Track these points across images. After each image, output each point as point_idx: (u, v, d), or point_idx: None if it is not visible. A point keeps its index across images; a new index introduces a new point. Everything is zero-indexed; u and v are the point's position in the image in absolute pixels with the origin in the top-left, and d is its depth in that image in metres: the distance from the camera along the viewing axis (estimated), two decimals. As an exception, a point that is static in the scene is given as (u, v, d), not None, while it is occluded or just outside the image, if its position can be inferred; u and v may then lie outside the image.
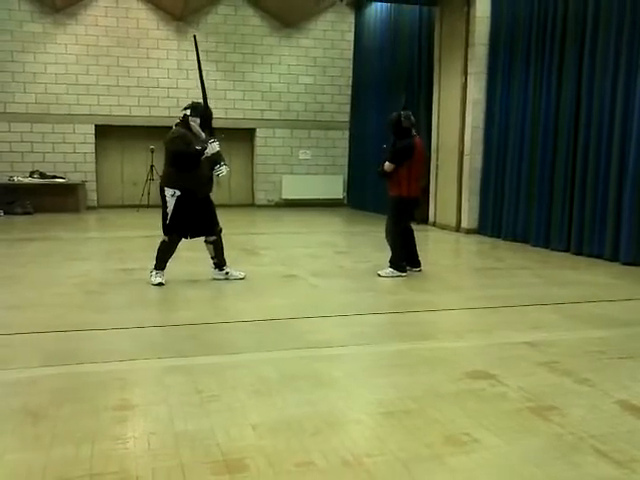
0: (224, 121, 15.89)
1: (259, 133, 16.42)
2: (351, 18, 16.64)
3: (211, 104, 16.12)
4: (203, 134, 6.49)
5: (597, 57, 8.45)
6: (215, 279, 6.87)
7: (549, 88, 9.37)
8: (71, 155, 15.28)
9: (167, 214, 6.47)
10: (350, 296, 6.33)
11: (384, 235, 7.33)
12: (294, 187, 16.25)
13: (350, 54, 16.66)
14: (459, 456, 2.81)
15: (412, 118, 7.02)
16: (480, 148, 10.97)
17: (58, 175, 14.86)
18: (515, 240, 9.99)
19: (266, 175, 16.53)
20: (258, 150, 16.49)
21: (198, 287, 6.57)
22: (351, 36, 16.65)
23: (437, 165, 11.95)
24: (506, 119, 10.36)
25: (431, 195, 12.18)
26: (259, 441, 2.93)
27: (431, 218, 12.19)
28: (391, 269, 7.07)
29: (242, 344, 4.55)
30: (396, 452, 2.83)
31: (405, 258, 7.19)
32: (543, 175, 9.46)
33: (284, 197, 16.43)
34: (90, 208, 15.15)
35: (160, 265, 6.57)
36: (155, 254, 6.62)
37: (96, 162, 15.55)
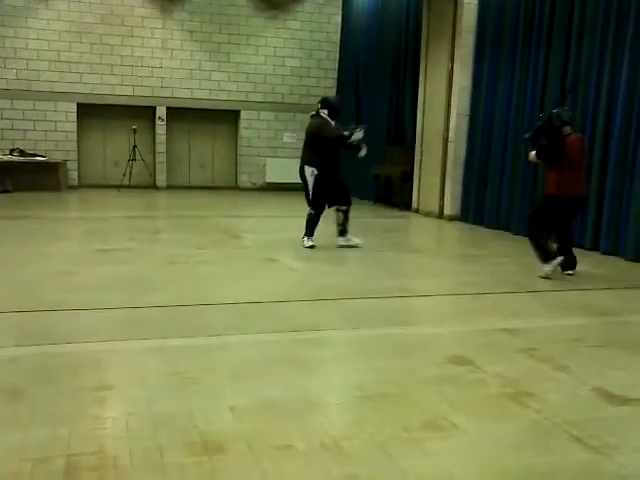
0: (208, 102, 15.80)
1: (244, 115, 16.30)
2: (338, 1, 16.52)
3: (195, 85, 15.95)
4: (332, 122, 7.70)
5: (584, 46, 8.46)
6: (340, 246, 7.90)
7: (535, 77, 9.38)
8: (52, 133, 15.08)
9: (308, 190, 7.72)
10: (332, 280, 6.33)
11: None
12: (278, 170, 16.17)
13: (337, 37, 16.56)
14: (437, 440, 2.83)
15: (565, 115, 6.40)
16: (465, 136, 10.98)
17: (39, 153, 14.66)
18: (497, 228, 10.03)
19: (250, 158, 16.44)
20: (242, 132, 16.38)
21: (178, 269, 6.54)
22: (338, 19, 16.53)
23: (422, 152, 11.95)
24: (492, 107, 10.36)
25: (415, 182, 12.19)
26: (238, 424, 2.92)
27: (414, 204, 12.21)
28: (544, 264, 6.46)
29: (223, 327, 4.53)
30: (375, 435, 2.85)
31: (549, 250, 6.54)
32: (526, 164, 9.48)
33: (268, 180, 16.37)
34: (71, 187, 14.99)
35: (309, 232, 7.75)
36: (305, 224, 7.76)
37: (78, 141, 15.36)
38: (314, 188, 7.65)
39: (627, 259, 7.64)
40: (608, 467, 2.68)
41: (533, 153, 6.52)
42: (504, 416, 3.14)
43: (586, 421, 3.09)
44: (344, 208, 7.87)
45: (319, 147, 7.62)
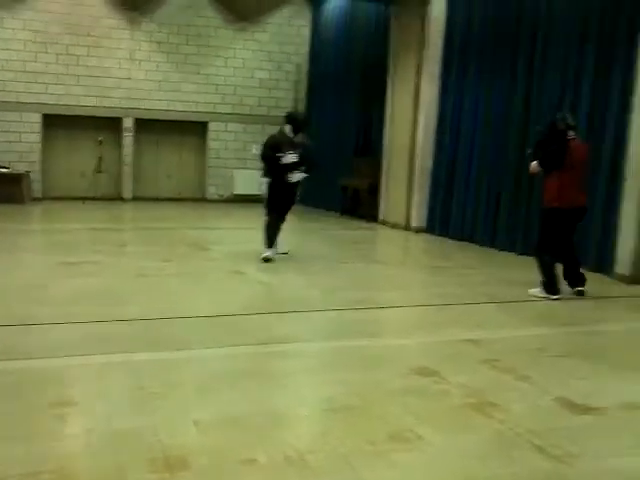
0: (176, 113, 15.72)
1: (212, 127, 16.24)
2: (307, 13, 16.60)
3: (163, 96, 15.76)
4: (297, 137, 7.69)
5: (548, 62, 8.63)
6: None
7: (500, 91, 9.52)
8: (16, 144, 14.82)
9: (264, 197, 7.84)
10: (299, 292, 6.33)
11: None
12: (246, 182, 16.10)
13: (306, 50, 16.63)
14: (402, 452, 2.84)
15: (569, 119, 6.20)
16: (431, 148, 11.09)
17: (2, 164, 14.41)
18: (462, 239, 10.13)
19: (218, 169, 16.37)
20: (210, 144, 16.31)
21: (146, 282, 6.47)
22: (307, 32, 16.61)
23: (389, 164, 12.03)
24: (458, 120, 10.49)
25: (382, 193, 12.27)
26: (202, 438, 2.90)
27: (381, 216, 12.28)
28: (540, 289, 6.26)
29: (189, 340, 4.49)
30: (339, 448, 2.85)
31: (554, 280, 6.25)
32: (491, 176, 9.62)
33: (236, 192, 16.30)
34: (35, 199, 14.75)
35: (267, 242, 7.65)
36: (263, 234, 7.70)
37: (42, 152, 15.14)
38: (272, 196, 7.67)
39: (589, 270, 7.75)
40: (570, 476, 2.72)
41: (535, 163, 6.25)
42: (468, 427, 3.16)
43: (548, 431, 3.13)
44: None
45: (268, 160, 7.67)
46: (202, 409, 3.22)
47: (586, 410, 3.42)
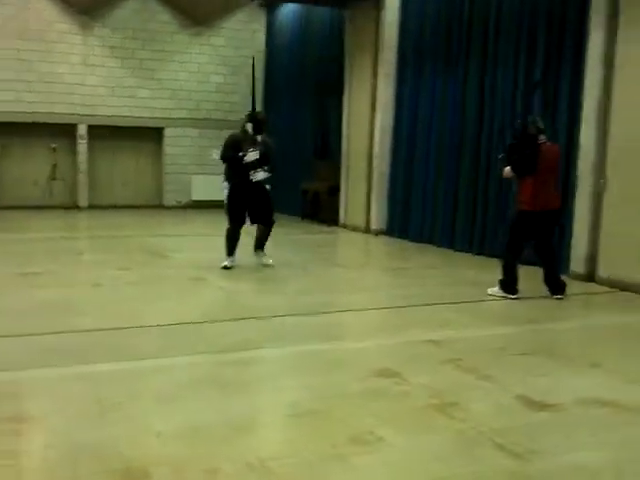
0: (131, 119, 15.52)
1: (168, 132, 16.08)
2: (262, 18, 16.58)
3: (118, 102, 15.49)
4: (259, 137, 7.39)
5: (499, 63, 8.77)
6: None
7: (455, 93, 9.64)
8: (-33, 153, 14.47)
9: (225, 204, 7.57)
10: (260, 299, 6.30)
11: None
12: (204, 188, 15.98)
13: (261, 54, 16.60)
14: (363, 455, 2.84)
15: (540, 123, 6.22)
16: (389, 151, 11.17)
17: (-48, 174, 14.04)
18: (422, 241, 10.22)
19: (175, 176, 16.19)
20: (167, 150, 16.14)
21: (103, 291, 6.36)
22: (262, 36, 16.59)
23: (348, 167, 12.08)
24: (414, 123, 10.58)
25: (341, 197, 12.31)
26: (163, 449, 2.86)
27: (341, 219, 12.31)
28: (498, 288, 6.34)
29: (148, 350, 4.43)
30: (302, 454, 2.84)
31: (515, 280, 6.31)
32: (448, 178, 9.73)
33: (194, 198, 16.16)
34: (-13, 209, 14.39)
35: (227, 250, 7.46)
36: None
37: (-6, 160, 14.80)
38: (232, 202, 7.46)
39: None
40: (530, 472, 2.76)
41: (508, 168, 6.26)
42: (430, 427, 3.18)
43: (509, 429, 3.17)
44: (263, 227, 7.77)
45: (229, 162, 7.44)
46: (163, 419, 3.18)
47: (545, 407, 3.48)
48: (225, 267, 7.36)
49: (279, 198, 15.43)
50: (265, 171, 7.32)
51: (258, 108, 16.67)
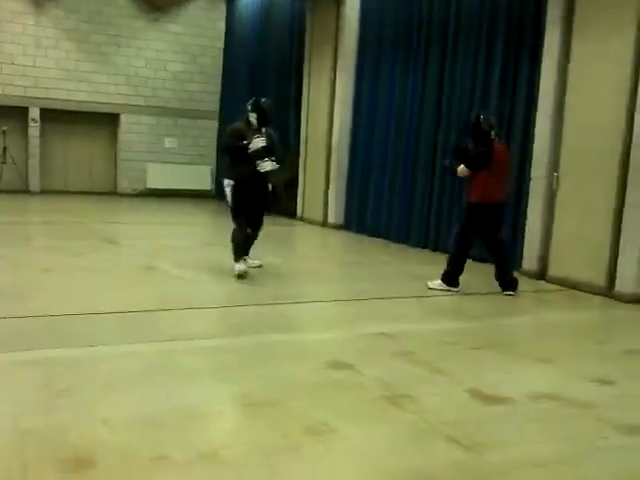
0: (86, 104, 15.19)
1: (123, 119, 15.80)
2: (222, 6, 16.40)
3: (72, 86, 15.15)
4: (263, 129, 6.58)
5: (458, 58, 8.86)
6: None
7: (414, 88, 9.70)
8: None
9: (229, 202, 6.79)
10: (215, 288, 6.24)
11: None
12: (160, 176, 15.78)
13: (221, 43, 16.42)
14: (316, 445, 2.83)
15: (492, 120, 6.34)
16: (347, 145, 11.18)
17: None
18: (378, 236, 10.27)
19: (130, 163, 15.94)
20: (122, 136, 15.86)
21: (53, 277, 6.21)
22: (222, 25, 16.41)
23: (306, 160, 12.06)
24: (372, 117, 10.62)
25: (299, 190, 12.28)
26: (111, 436, 2.80)
27: (299, 213, 12.29)
28: (440, 281, 6.39)
29: (99, 337, 4.33)
30: (254, 443, 2.81)
31: (460, 272, 6.42)
32: (405, 174, 9.80)
33: (149, 186, 15.92)
34: None
35: (235, 256, 6.52)
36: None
37: (-59, 141, 14.31)
38: (237, 203, 6.67)
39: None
40: (479, 464, 2.79)
41: (462, 167, 6.29)
42: (383, 419, 3.19)
43: (461, 421, 3.20)
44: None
45: (231, 156, 6.73)
46: (112, 407, 3.11)
47: (495, 400, 3.52)
48: (240, 275, 6.42)
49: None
50: (273, 162, 6.54)
51: (217, 99, 16.62)
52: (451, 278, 6.39)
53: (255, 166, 6.45)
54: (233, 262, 6.48)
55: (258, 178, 6.55)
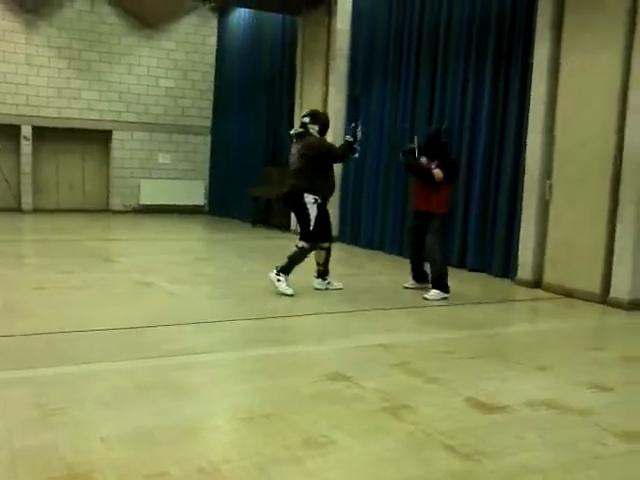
0: (78, 121, 15.21)
1: (116, 135, 15.81)
2: (214, 22, 16.50)
3: (64, 103, 15.23)
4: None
5: (448, 74, 8.92)
6: (316, 289, 6.75)
7: (405, 102, 9.75)
8: None
9: (309, 221, 6.46)
10: (209, 303, 6.22)
11: (425, 254, 6.74)
12: (153, 192, 15.78)
13: (212, 59, 16.50)
14: (316, 458, 2.81)
15: (450, 134, 6.67)
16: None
17: None
18: (372, 248, 10.27)
19: (123, 179, 15.94)
20: (115, 153, 15.87)
21: (46, 295, 6.18)
22: (214, 40, 16.49)
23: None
24: (365, 131, 10.58)
25: (292, 203, 12.26)
26: (108, 453, 2.77)
27: (293, 226, 12.27)
28: (438, 291, 6.47)
29: (93, 354, 4.30)
30: (254, 457, 2.79)
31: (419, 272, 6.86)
32: (398, 186, 9.82)
33: (142, 202, 15.92)
34: None
35: (289, 270, 6.45)
36: (288, 260, 6.43)
37: None
38: (317, 218, 6.46)
39: (494, 275, 8.04)
40: (479, 473, 2.77)
41: (439, 171, 6.44)
42: (381, 430, 3.18)
43: (459, 430, 3.18)
44: (326, 245, 6.75)
45: (320, 170, 6.50)
46: (109, 424, 3.08)
47: (494, 409, 3.51)
48: (289, 293, 6.37)
49: (229, 204, 15.42)
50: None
51: (209, 115, 16.67)
52: (445, 285, 6.52)
53: (334, 178, 6.74)
54: (282, 278, 6.40)
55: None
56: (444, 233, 6.74)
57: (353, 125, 6.67)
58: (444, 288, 6.51)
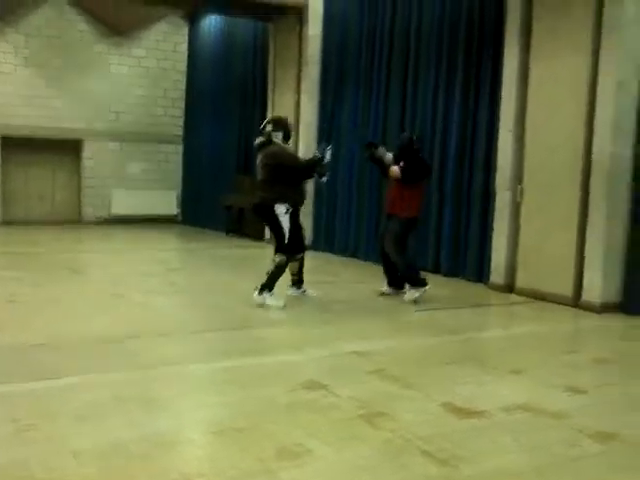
0: (47, 130, 14.98)
1: (87, 145, 15.62)
2: (185, 29, 16.40)
3: (33, 112, 15.00)
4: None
5: (419, 81, 8.97)
6: (291, 296, 6.74)
7: (377, 109, 9.78)
8: None
9: (284, 234, 6.31)
10: (183, 314, 6.16)
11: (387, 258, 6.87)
12: (125, 202, 15.59)
13: (184, 66, 16.40)
14: (291, 469, 2.79)
15: (422, 140, 7.19)
16: (313, 165, 11.18)
17: None
18: (347, 255, 10.27)
19: (94, 189, 15.71)
20: (85, 163, 15.65)
21: (16, 308, 6.07)
22: (185, 48, 16.40)
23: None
24: (337, 138, 10.66)
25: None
26: (81, 469, 2.72)
27: (266, 235, 12.22)
28: (413, 289, 6.60)
29: (66, 367, 4.23)
30: (228, 470, 2.76)
31: (418, 271, 6.91)
32: (371, 193, 9.84)
33: (114, 213, 15.72)
34: None
35: (272, 286, 6.29)
36: (267, 277, 6.25)
37: None
38: (290, 230, 6.35)
39: (470, 280, 8.09)
40: (456, 478, 2.78)
41: (396, 168, 6.67)
42: (358, 438, 3.17)
43: (436, 436, 3.19)
44: (300, 256, 6.73)
45: (288, 179, 6.35)
46: (81, 439, 3.03)
47: (469, 414, 3.52)
48: (283, 305, 6.29)
49: (201, 213, 15.32)
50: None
51: (181, 123, 16.52)
52: (417, 280, 6.66)
53: (304, 187, 6.69)
54: (267, 295, 6.26)
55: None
56: (401, 234, 6.75)
57: (324, 145, 6.59)
58: (417, 283, 6.61)
